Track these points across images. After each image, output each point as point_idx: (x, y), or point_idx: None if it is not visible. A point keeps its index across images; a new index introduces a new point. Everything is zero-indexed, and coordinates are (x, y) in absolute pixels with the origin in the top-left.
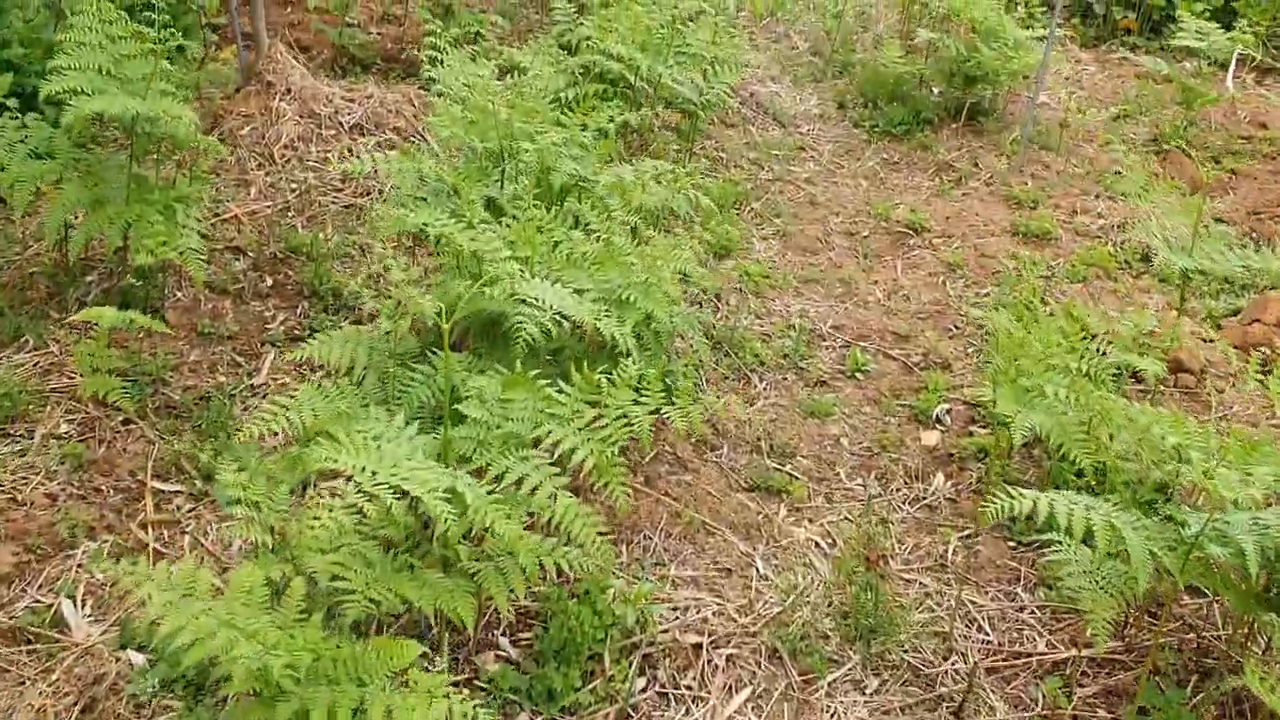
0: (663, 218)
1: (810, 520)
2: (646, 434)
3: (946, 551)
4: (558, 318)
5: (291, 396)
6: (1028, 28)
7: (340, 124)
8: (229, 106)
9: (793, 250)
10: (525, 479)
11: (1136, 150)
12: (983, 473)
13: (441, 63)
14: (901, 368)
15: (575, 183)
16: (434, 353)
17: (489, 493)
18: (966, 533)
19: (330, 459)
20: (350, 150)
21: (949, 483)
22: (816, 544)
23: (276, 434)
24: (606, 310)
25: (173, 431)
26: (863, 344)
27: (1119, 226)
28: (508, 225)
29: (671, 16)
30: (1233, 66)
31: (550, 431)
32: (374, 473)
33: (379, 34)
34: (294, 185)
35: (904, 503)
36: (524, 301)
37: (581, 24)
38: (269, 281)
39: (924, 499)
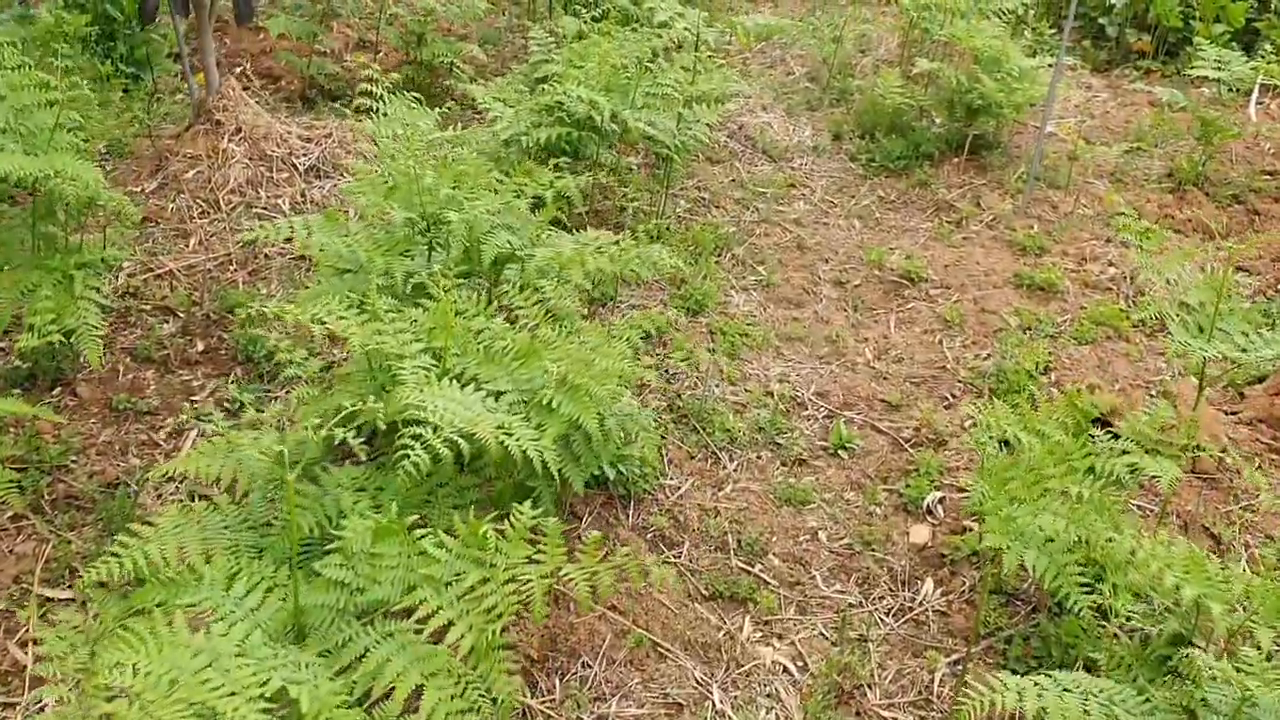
0: (615, 285)
1: (779, 637)
2: (540, 608)
3: (933, 682)
4: (458, 436)
5: (149, 524)
6: (1034, 54)
7: (295, 166)
8: (176, 147)
9: (776, 303)
10: (385, 665)
11: (1150, 188)
12: (976, 581)
13: (378, 112)
14: (890, 444)
15: (510, 255)
16: (327, 469)
17: (337, 679)
18: (955, 657)
19: (118, 668)
20: (302, 195)
21: (939, 590)
22: (785, 668)
23: (127, 580)
24: (525, 418)
25: (71, 526)
26: (848, 414)
27: (1130, 277)
28: (426, 310)
29: (640, 54)
30: (1255, 94)
31: (423, 600)
32: (169, 688)
33: (353, 62)
34: (238, 235)
35: (887, 614)
36: (414, 420)
37: (552, 58)
38: (199, 346)
39: (910, 610)
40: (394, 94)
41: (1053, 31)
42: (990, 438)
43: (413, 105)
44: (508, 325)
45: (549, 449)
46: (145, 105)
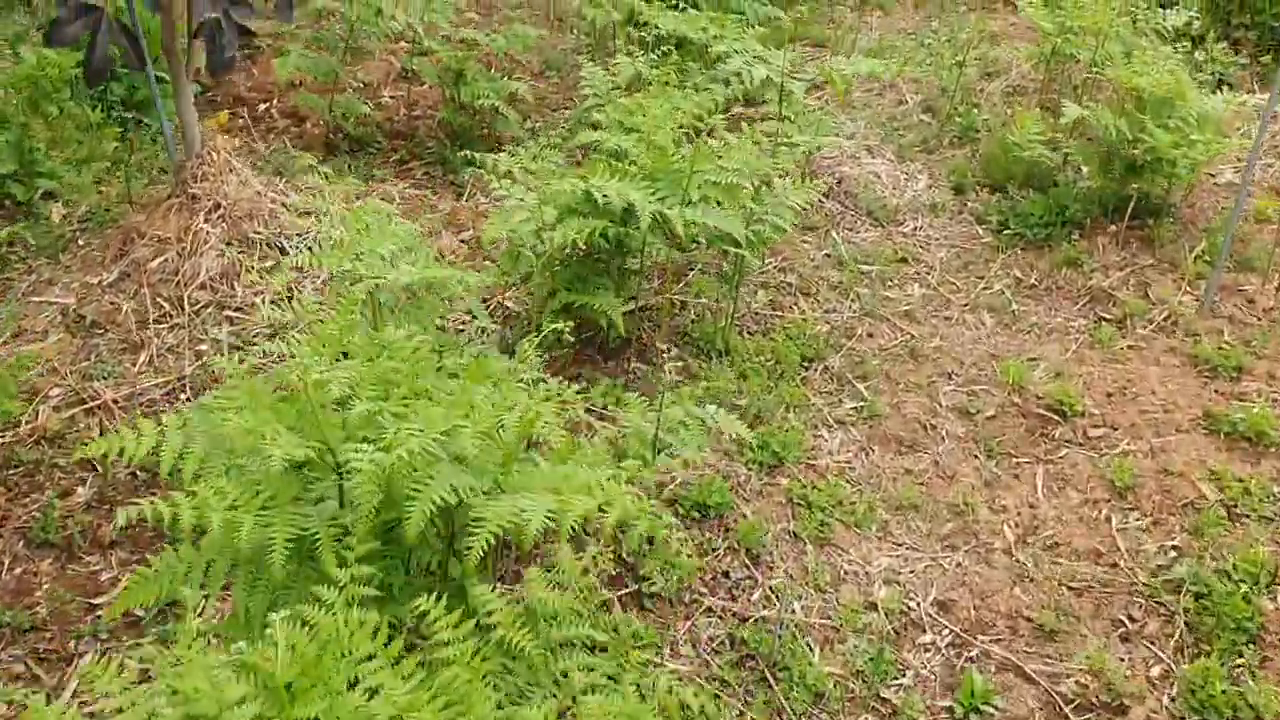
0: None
1: None
2: None
3: None
4: None
5: None
6: (1218, 88)
7: (283, 251)
8: (145, 225)
9: (882, 445)
10: None
11: None
12: None
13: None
14: (1044, 704)
15: (457, 507)
16: None
17: None
18: None
19: None
20: (290, 290)
21: None
22: None
23: None
24: None
25: None
26: (983, 642)
27: None
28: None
29: (706, 110)
30: None
31: None
32: None
33: (392, 98)
34: (200, 349)
35: None
36: None
37: (600, 111)
38: (120, 520)
39: None
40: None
41: (1223, 46)
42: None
43: (373, 220)
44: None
45: None
46: (128, 164)
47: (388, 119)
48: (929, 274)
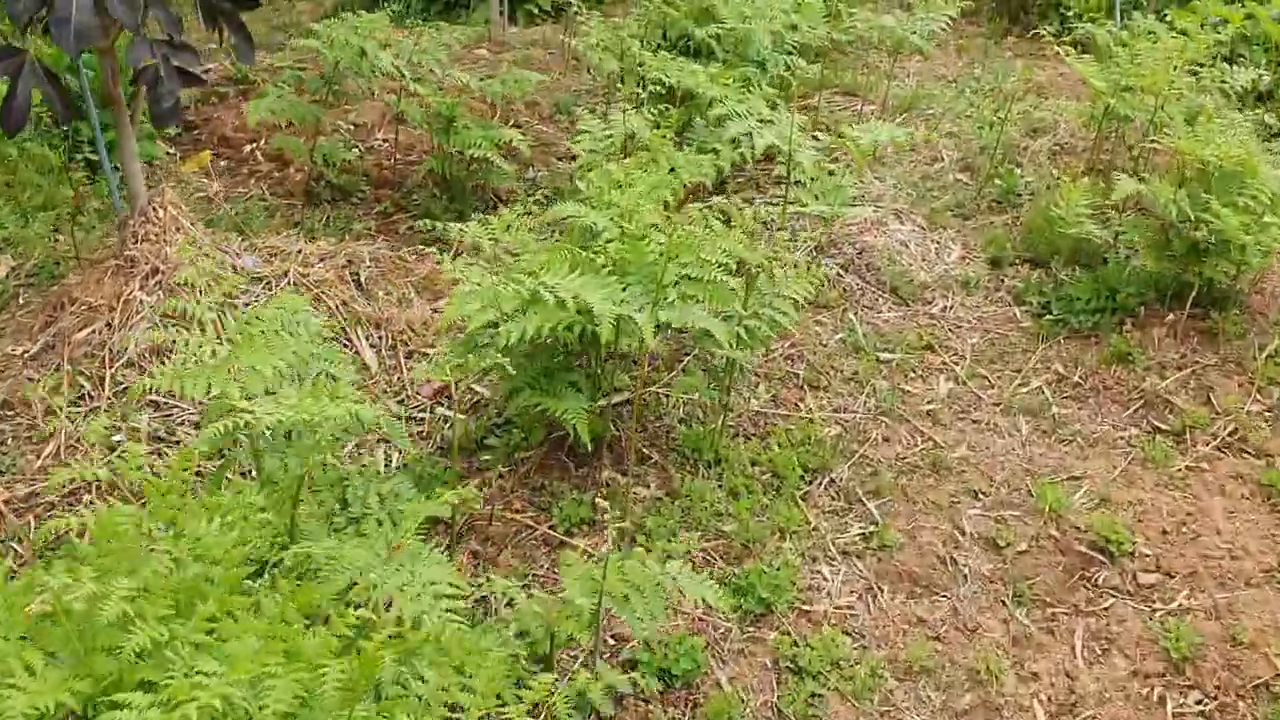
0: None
1: None
2: None
3: None
4: None
5: None
6: None
7: (220, 323)
8: (78, 290)
9: (891, 583)
10: None
11: None
12: None
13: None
14: None
15: None
16: None
17: None
18: None
19: None
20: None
21: None
22: None
23: None
24: None
25: None
26: None
27: None
28: None
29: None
30: None
31: None
32: None
33: (384, 141)
34: (117, 439)
35: None
36: None
37: (584, 177)
38: None
39: None
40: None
41: None
42: None
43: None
44: None
45: None
46: (79, 214)
47: (377, 164)
48: (958, 364)
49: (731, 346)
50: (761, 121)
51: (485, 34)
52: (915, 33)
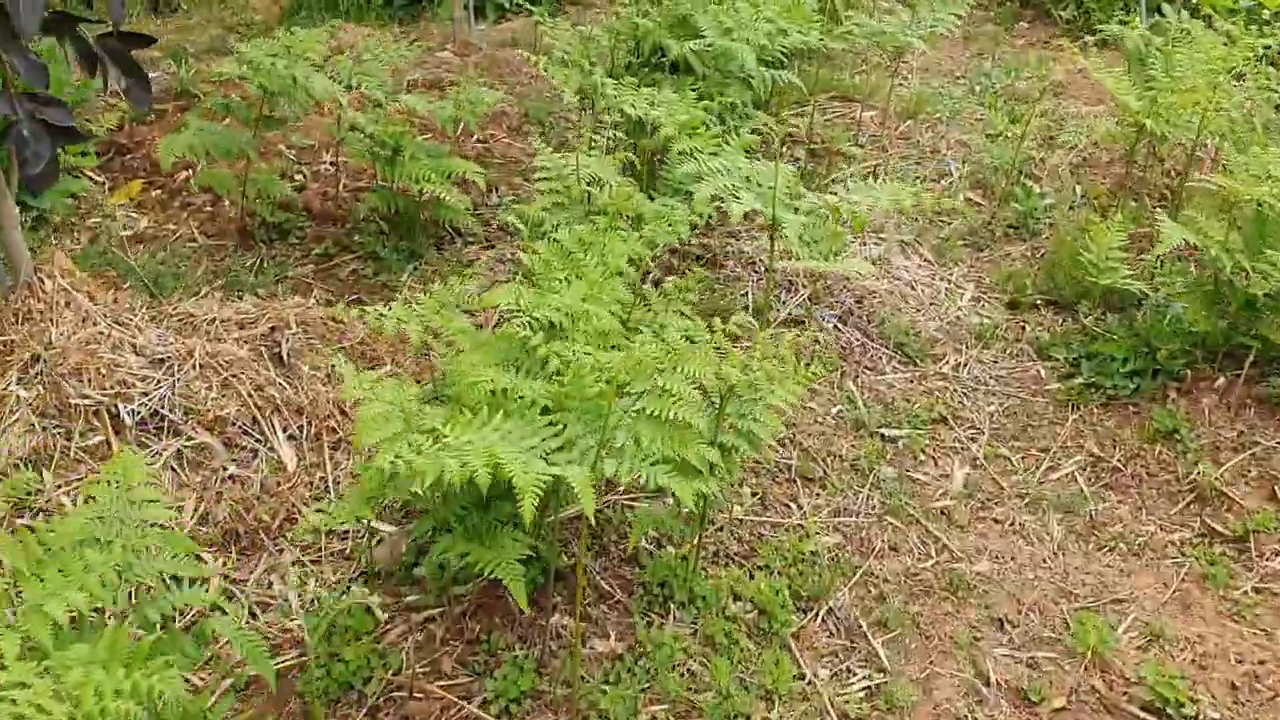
0: None
1: None
2: None
3: None
4: None
5: None
6: None
7: (118, 420)
8: None
9: None
10: None
11: None
12: None
13: None
14: None
15: None
16: None
17: None
18: None
19: None
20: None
21: None
22: None
23: None
24: None
25: None
26: None
27: None
28: None
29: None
30: None
31: None
32: None
33: (333, 165)
34: None
35: None
36: None
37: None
38: None
39: None
40: None
41: None
42: None
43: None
44: None
45: None
46: None
47: (321, 194)
48: (974, 441)
49: (702, 494)
50: (741, 181)
51: (450, 33)
52: (920, 36)
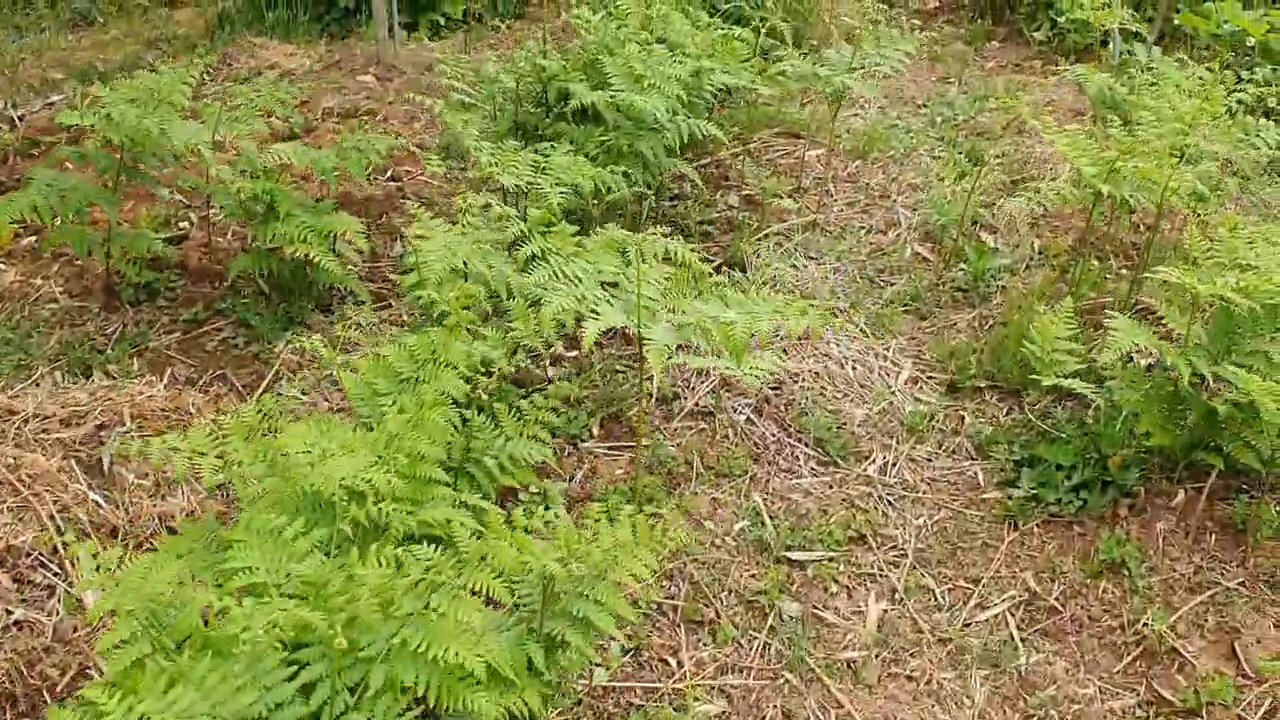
0: None
1: None
2: None
3: None
4: None
5: None
6: None
7: None
8: None
9: None
10: None
11: None
12: None
13: None
14: None
15: None
16: None
17: None
18: None
19: None
20: None
21: None
22: None
23: None
24: None
25: None
26: None
27: None
28: None
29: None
30: None
31: None
32: None
33: (218, 210)
34: None
35: None
36: None
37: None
38: None
39: None
40: None
41: None
42: None
43: None
44: None
45: None
46: None
47: (200, 247)
48: (895, 567)
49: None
50: (604, 285)
51: (375, 54)
52: (856, 80)
